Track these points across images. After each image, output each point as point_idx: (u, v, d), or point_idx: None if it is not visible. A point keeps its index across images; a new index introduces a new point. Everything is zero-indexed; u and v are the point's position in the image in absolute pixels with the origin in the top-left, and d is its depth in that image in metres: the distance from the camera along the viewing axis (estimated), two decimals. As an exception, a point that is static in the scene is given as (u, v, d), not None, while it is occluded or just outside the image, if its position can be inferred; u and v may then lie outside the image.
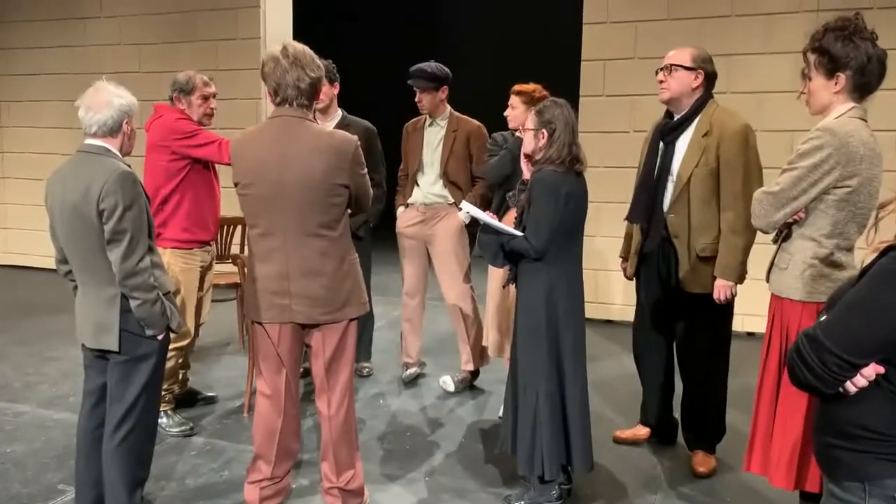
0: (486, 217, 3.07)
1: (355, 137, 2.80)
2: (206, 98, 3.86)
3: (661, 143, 3.39)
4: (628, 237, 3.66)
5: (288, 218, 2.72)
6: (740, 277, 3.25)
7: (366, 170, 2.85)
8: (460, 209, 4.34)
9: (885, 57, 2.49)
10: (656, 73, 3.37)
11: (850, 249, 2.58)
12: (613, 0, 5.82)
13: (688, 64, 3.28)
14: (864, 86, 2.51)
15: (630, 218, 3.52)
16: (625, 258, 3.67)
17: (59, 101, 7.76)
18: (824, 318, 1.56)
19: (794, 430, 2.56)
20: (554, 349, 2.94)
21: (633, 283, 3.66)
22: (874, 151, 2.47)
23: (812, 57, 2.55)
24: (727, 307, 3.34)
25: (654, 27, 5.71)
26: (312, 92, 2.75)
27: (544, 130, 2.99)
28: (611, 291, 5.99)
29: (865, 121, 2.53)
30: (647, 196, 3.40)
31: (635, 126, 5.82)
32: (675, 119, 3.37)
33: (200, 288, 3.93)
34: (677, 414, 3.69)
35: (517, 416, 3.03)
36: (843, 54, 2.46)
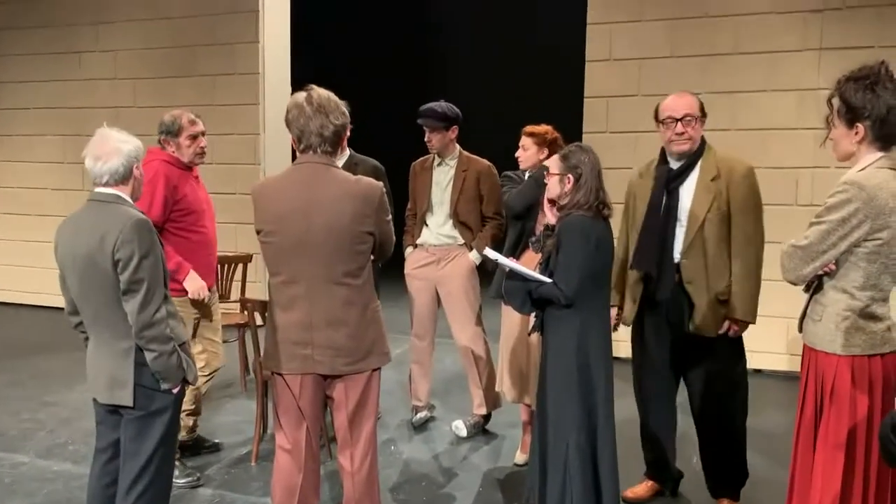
0: (512, 263, 3.00)
1: (381, 184, 2.74)
2: (194, 137, 3.75)
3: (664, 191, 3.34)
4: (619, 285, 3.48)
5: (312, 266, 2.64)
6: (755, 317, 3.31)
7: (390, 216, 2.79)
8: (471, 249, 4.30)
9: None
10: (674, 123, 3.28)
11: (885, 300, 2.53)
12: (616, 37, 5.82)
13: (699, 113, 3.31)
14: (885, 137, 2.45)
15: (636, 265, 3.41)
16: (617, 306, 3.50)
17: (52, 136, 7.67)
18: None
19: (833, 485, 2.50)
20: (586, 398, 2.86)
21: (629, 329, 3.52)
22: None
23: (834, 104, 2.51)
24: (741, 348, 3.36)
25: (658, 64, 5.71)
26: (336, 140, 2.69)
27: (570, 175, 2.94)
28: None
29: (895, 170, 2.49)
30: (655, 242, 3.33)
31: (639, 163, 5.76)
32: (678, 166, 3.34)
33: (193, 335, 3.79)
34: (679, 464, 3.60)
35: (546, 467, 2.93)
36: (861, 104, 2.41)
